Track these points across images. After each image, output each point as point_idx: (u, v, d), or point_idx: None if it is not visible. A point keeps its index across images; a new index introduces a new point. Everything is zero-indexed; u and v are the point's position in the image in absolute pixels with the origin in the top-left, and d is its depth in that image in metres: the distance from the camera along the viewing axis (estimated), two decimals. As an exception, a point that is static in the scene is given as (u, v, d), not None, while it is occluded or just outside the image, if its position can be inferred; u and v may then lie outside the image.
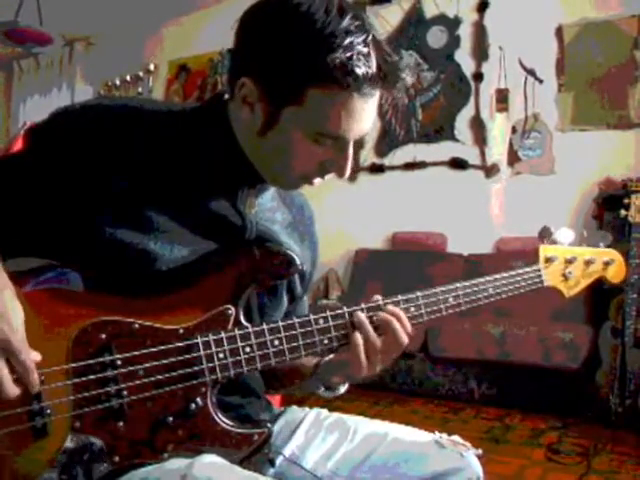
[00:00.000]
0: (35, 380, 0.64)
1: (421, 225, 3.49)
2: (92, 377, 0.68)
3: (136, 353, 0.69)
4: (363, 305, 0.80)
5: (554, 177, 3.24)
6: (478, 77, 3.45)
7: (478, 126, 3.45)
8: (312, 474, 0.87)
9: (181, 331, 0.71)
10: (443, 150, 3.53)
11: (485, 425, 2.51)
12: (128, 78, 4.48)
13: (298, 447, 0.89)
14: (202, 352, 0.71)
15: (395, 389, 2.99)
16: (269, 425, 0.76)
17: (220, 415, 0.73)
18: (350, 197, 3.73)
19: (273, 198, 0.86)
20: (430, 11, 3.59)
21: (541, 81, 3.30)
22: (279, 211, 0.87)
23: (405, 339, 0.79)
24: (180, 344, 0.71)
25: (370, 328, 0.78)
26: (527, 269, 0.93)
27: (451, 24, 3.53)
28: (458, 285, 0.87)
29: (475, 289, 0.88)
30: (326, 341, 0.77)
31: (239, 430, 0.74)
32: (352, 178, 3.80)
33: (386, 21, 3.70)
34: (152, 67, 4.45)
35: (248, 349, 0.73)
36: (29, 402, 0.65)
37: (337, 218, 3.64)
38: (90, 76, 4.70)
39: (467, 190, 3.44)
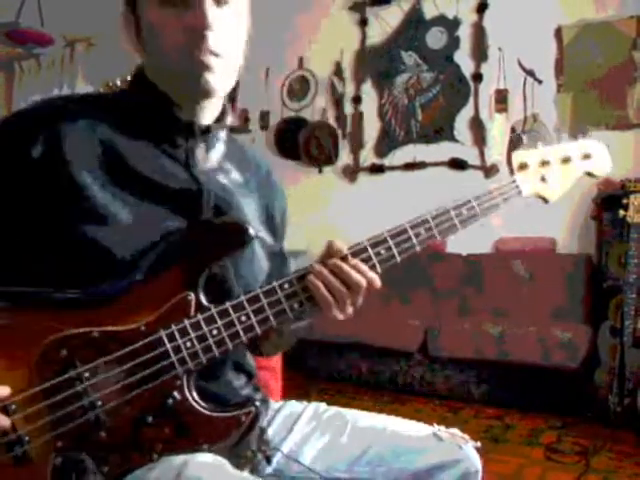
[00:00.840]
0: (2, 423, 0.63)
1: (421, 225, 3.49)
2: (63, 395, 0.66)
3: (99, 361, 0.68)
4: (323, 261, 0.76)
5: (553, 177, 3.25)
6: (477, 78, 3.46)
7: (477, 126, 3.46)
8: (310, 469, 0.86)
9: (142, 328, 0.69)
10: (443, 150, 3.54)
11: (484, 424, 2.51)
12: (129, 78, 4.48)
13: (296, 443, 0.88)
14: (168, 345, 0.69)
15: (395, 389, 3.00)
16: (256, 404, 0.74)
17: (202, 403, 0.72)
18: (350, 197, 3.74)
19: (224, 159, 0.85)
20: (430, 12, 3.60)
21: (540, 82, 3.30)
22: (233, 172, 0.86)
23: (363, 283, 0.75)
24: (144, 342, 0.69)
25: (328, 274, 0.74)
26: (504, 182, 0.87)
27: (450, 25, 3.53)
28: (428, 216, 0.81)
29: (447, 216, 0.83)
30: (296, 305, 0.74)
31: (224, 415, 0.72)
32: (352, 178, 3.81)
33: (386, 22, 3.71)
34: (152, 68, 4.45)
35: (215, 332, 0.71)
36: (5, 434, 0.64)
37: (337, 218, 3.64)
38: (91, 76, 4.70)
39: (467, 190, 3.44)
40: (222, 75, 0.76)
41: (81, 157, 0.72)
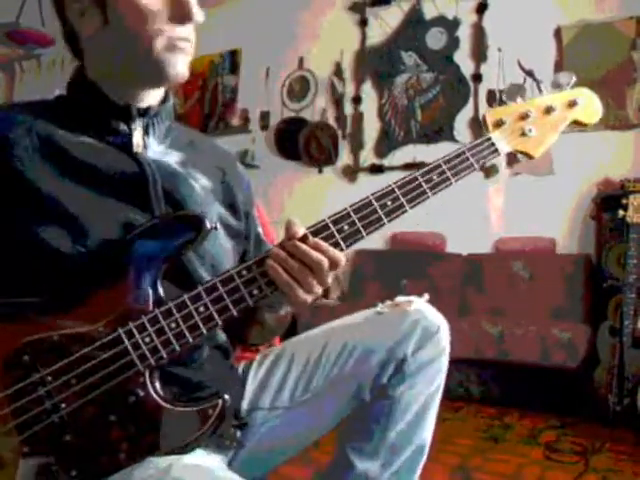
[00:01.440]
0: None
1: (420, 225, 3.50)
2: (26, 399, 0.66)
3: (60, 364, 0.67)
4: (282, 242, 0.73)
5: (553, 177, 3.25)
6: (477, 78, 3.46)
7: (477, 127, 3.46)
8: (273, 408, 0.87)
9: (100, 328, 0.69)
10: (442, 150, 3.45)
11: (484, 424, 2.51)
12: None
13: (253, 394, 0.89)
14: (127, 342, 0.68)
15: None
16: (225, 396, 0.72)
17: (168, 399, 0.70)
18: (350, 197, 3.72)
19: (172, 142, 0.85)
20: (429, 12, 3.60)
21: (540, 82, 3.31)
22: (181, 153, 0.85)
23: (328, 279, 0.72)
24: (103, 341, 0.68)
25: (287, 257, 0.71)
26: (476, 141, 0.79)
27: (450, 25, 3.54)
28: (393, 185, 0.76)
29: (415, 183, 0.77)
30: (255, 291, 0.71)
31: (189, 409, 0.71)
32: (352, 178, 3.81)
33: (385, 22, 3.71)
34: (153, 68, 4.46)
35: (174, 325, 0.69)
36: None
37: (337, 218, 3.65)
38: (91, 77, 4.71)
39: (466, 190, 3.45)
40: (189, 61, 0.78)
41: (22, 154, 0.72)
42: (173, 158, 0.83)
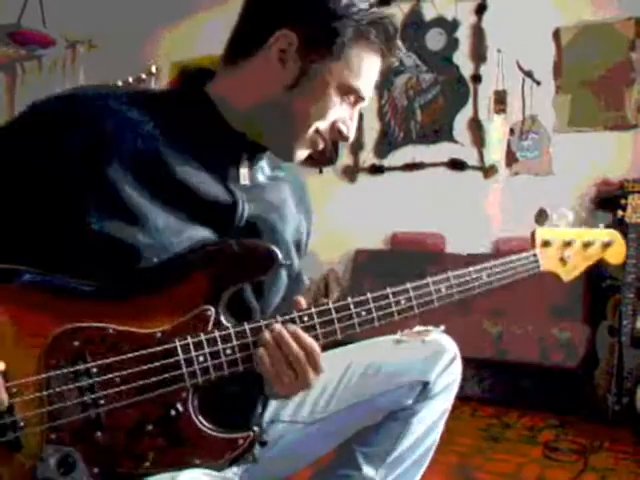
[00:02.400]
0: (2, 397, 0.61)
1: (420, 225, 3.51)
2: (66, 387, 0.65)
3: (111, 360, 0.66)
4: (278, 318, 0.73)
5: (552, 178, 3.26)
6: (476, 79, 3.47)
7: (476, 127, 3.47)
8: (292, 422, 0.88)
9: (159, 335, 0.68)
10: (442, 151, 3.55)
11: (483, 423, 2.52)
12: (130, 80, 4.50)
13: (274, 407, 0.90)
14: (181, 356, 0.68)
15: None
16: (255, 428, 0.72)
17: (202, 420, 0.70)
18: (350, 198, 3.75)
19: (264, 174, 0.85)
20: (429, 14, 3.61)
21: (539, 83, 3.32)
22: (272, 191, 0.85)
23: (310, 379, 0.72)
24: (158, 349, 0.68)
25: (275, 353, 0.71)
26: (524, 254, 0.88)
27: (449, 27, 3.55)
28: (450, 274, 0.82)
29: (468, 278, 0.84)
30: (321, 338, 0.74)
31: (222, 435, 0.71)
32: (352, 179, 3.82)
33: (385, 23, 3.73)
34: (154, 69, 4.46)
35: (229, 351, 0.70)
36: (1, 416, 0.62)
37: (337, 218, 3.66)
38: (93, 78, 4.71)
39: (466, 191, 3.47)
40: None
41: (120, 156, 0.70)
42: (265, 194, 0.83)
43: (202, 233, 0.74)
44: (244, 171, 0.79)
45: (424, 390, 0.90)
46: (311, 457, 0.94)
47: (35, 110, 0.72)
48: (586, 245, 0.91)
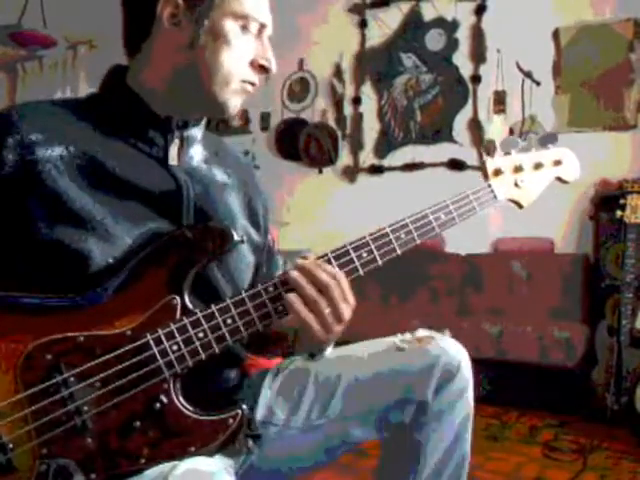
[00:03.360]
0: None
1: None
2: (48, 401, 0.65)
3: (86, 366, 0.67)
4: (299, 261, 0.76)
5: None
6: (476, 79, 3.48)
7: (476, 128, 3.48)
8: (286, 427, 0.87)
9: (128, 333, 0.69)
10: (441, 151, 3.56)
11: (483, 423, 2.52)
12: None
13: (267, 407, 0.89)
14: (155, 349, 0.69)
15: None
16: (243, 406, 0.73)
17: (189, 407, 0.71)
18: (350, 198, 3.76)
19: (203, 155, 0.85)
20: (428, 14, 3.62)
21: (538, 83, 3.33)
22: (213, 168, 0.86)
23: (342, 309, 0.73)
24: (130, 346, 0.68)
25: (305, 284, 0.72)
26: (477, 188, 0.87)
27: (449, 27, 3.56)
28: (407, 220, 0.82)
29: (426, 220, 0.83)
30: (280, 307, 0.73)
31: (211, 418, 0.71)
32: (352, 179, 3.83)
33: (385, 24, 3.73)
34: (153, 69, 4.47)
35: (201, 334, 0.70)
36: None
37: (337, 219, 3.66)
38: (93, 78, 4.70)
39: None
40: None
41: (54, 161, 0.71)
42: (204, 172, 0.83)
43: (154, 225, 0.75)
44: (174, 151, 0.80)
45: (423, 410, 0.86)
46: (308, 464, 0.93)
47: None
48: (537, 167, 0.91)
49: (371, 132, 3.77)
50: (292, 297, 0.72)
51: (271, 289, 0.74)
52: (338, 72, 3.87)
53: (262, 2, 0.79)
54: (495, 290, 3.15)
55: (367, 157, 3.78)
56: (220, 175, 0.86)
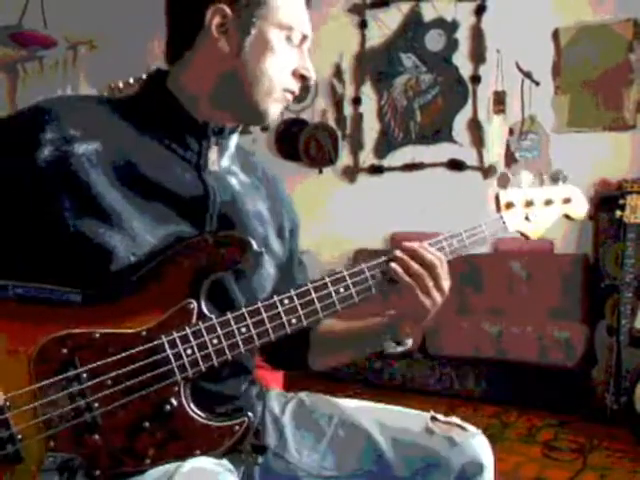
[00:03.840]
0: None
1: (420, 225, 3.52)
2: (59, 394, 0.65)
3: (100, 363, 0.67)
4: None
5: (551, 178, 3.27)
6: (476, 80, 3.48)
7: (475, 128, 3.49)
8: (297, 467, 0.86)
9: (144, 333, 0.69)
10: (441, 151, 3.56)
11: (482, 422, 2.53)
12: (131, 80, 4.51)
13: (282, 439, 0.88)
14: (169, 351, 0.69)
15: (394, 387, 3.03)
16: (249, 414, 0.74)
17: (197, 411, 0.71)
18: (349, 198, 3.77)
19: (234, 164, 0.87)
20: (428, 15, 3.62)
21: (538, 83, 3.33)
22: (241, 175, 0.87)
23: (444, 284, 0.81)
24: (145, 347, 0.69)
25: (410, 262, 0.80)
26: (491, 218, 0.92)
27: (449, 27, 3.56)
28: (419, 245, 0.84)
29: (439, 246, 0.86)
30: (294, 320, 0.75)
31: (218, 424, 0.72)
32: (352, 179, 3.83)
33: (385, 24, 3.74)
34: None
35: (215, 341, 0.71)
36: None
37: (337, 219, 3.67)
38: (94, 78, 4.72)
39: (465, 191, 3.48)
40: None
41: (90, 155, 0.71)
42: (232, 181, 0.84)
43: (177, 228, 0.75)
44: (213, 157, 0.81)
45: None
46: None
47: (3, 124, 0.75)
48: (547, 202, 0.95)
49: (371, 132, 3.78)
50: (396, 266, 0.80)
51: (286, 301, 0.75)
52: (338, 72, 3.87)
53: (305, 14, 0.82)
54: (495, 290, 3.16)
55: (367, 157, 3.78)
56: (247, 185, 0.87)
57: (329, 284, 0.77)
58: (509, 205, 0.92)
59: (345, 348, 0.94)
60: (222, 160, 0.83)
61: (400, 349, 0.87)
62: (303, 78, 0.82)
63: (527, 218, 0.93)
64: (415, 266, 0.80)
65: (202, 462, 0.70)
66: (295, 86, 0.82)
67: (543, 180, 0.96)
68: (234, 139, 0.85)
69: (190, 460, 0.69)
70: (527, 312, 2.97)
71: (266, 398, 0.93)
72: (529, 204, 0.93)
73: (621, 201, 2.49)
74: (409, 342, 0.87)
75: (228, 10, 0.76)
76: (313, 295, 0.76)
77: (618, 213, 2.48)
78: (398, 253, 0.81)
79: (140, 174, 0.74)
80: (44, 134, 0.71)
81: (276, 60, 0.78)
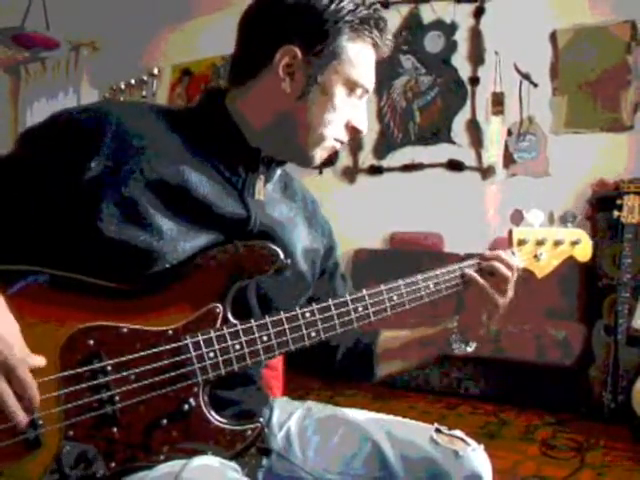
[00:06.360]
0: (34, 395, 0.63)
1: (419, 225, 3.54)
2: (83, 385, 0.66)
3: (126, 358, 0.68)
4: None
5: (548, 179, 3.29)
6: (474, 81, 3.50)
7: (474, 129, 3.51)
8: (301, 468, 0.87)
9: (170, 332, 0.70)
10: (440, 152, 3.58)
11: (481, 421, 2.54)
12: (133, 82, 4.53)
13: (288, 441, 0.89)
14: (192, 353, 0.70)
15: (393, 385, 3.04)
16: (261, 420, 0.76)
17: (213, 413, 0.73)
18: (349, 198, 3.78)
19: (275, 191, 0.88)
20: (427, 17, 3.64)
21: (536, 85, 3.35)
22: (283, 203, 0.88)
23: (511, 288, 0.90)
24: (170, 346, 0.70)
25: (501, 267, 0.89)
26: (507, 252, 0.93)
27: (448, 29, 3.58)
28: (438, 271, 0.90)
29: (449, 276, 0.90)
30: (313, 334, 0.77)
31: (232, 427, 0.74)
32: (351, 179, 3.85)
33: (384, 26, 3.75)
34: (156, 71, 4.49)
35: (238, 347, 0.72)
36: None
37: (336, 219, 3.65)
38: (96, 80, 4.74)
39: (463, 191, 3.50)
40: None
41: (143, 166, 0.72)
42: (273, 206, 0.85)
43: (213, 239, 0.77)
44: (259, 186, 0.82)
45: None
46: None
47: (61, 119, 0.74)
48: (557, 243, 0.98)
49: (370, 133, 3.79)
50: (498, 264, 0.89)
51: (308, 315, 0.77)
52: (338, 74, 3.89)
53: (372, 71, 0.81)
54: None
55: (366, 158, 3.80)
56: (287, 211, 0.88)
57: (349, 302, 0.81)
58: (521, 242, 0.96)
59: (412, 355, 0.98)
60: (268, 189, 0.84)
61: (470, 349, 0.93)
62: (355, 131, 0.82)
63: (536, 256, 0.96)
64: (503, 268, 0.88)
65: (209, 459, 0.71)
66: (346, 137, 0.82)
67: (554, 219, 1.01)
68: (280, 170, 0.86)
69: (198, 457, 0.70)
70: (525, 311, 2.98)
71: (273, 404, 0.94)
72: (540, 243, 0.96)
73: (618, 201, 2.50)
74: (474, 344, 0.94)
75: (299, 53, 0.76)
76: (333, 311, 0.79)
77: (615, 213, 2.49)
78: (489, 254, 0.90)
79: (186, 191, 0.74)
80: (104, 141, 0.71)
81: (334, 112, 0.78)
